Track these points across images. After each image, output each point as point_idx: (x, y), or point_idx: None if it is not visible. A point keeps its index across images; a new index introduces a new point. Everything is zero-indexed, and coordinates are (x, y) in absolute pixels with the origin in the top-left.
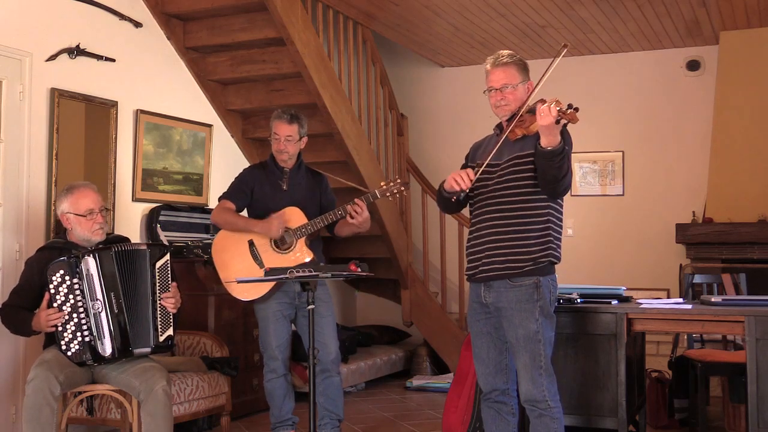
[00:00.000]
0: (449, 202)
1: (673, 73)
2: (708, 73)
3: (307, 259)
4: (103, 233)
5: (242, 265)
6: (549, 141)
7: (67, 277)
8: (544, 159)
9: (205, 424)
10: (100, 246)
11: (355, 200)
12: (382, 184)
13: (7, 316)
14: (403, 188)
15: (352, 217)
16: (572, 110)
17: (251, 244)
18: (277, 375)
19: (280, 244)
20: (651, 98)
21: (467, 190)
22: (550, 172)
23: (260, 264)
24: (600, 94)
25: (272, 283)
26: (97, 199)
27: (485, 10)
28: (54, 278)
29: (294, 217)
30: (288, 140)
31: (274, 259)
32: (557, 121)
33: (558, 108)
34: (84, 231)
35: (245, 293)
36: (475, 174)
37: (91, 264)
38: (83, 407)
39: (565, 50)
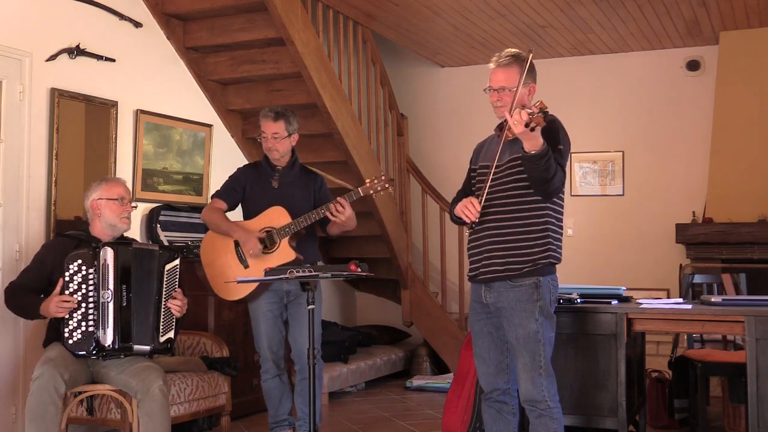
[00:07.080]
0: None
1: (673, 73)
2: (708, 73)
3: (290, 260)
4: (129, 223)
5: (228, 265)
6: (530, 145)
7: (83, 267)
8: (528, 163)
9: (205, 424)
10: (121, 241)
11: (338, 198)
12: (366, 181)
13: (14, 296)
14: (387, 185)
15: (334, 216)
16: (540, 114)
17: (237, 244)
18: (271, 375)
19: (268, 243)
20: (651, 98)
21: (476, 221)
22: (537, 175)
23: (245, 264)
24: (600, 94)
25: (256, 283)
26: (128, 191)
27: (485, 10)
28: (71, 266)
29: (278, 216)
30: (275, 137)
31: (258, 259)
32: (527, 125)
33: (529, 112)
34: (113, 215)
35: (231, 293)
36: (480, 203)
37: (109, 254)
38: (83, 407)
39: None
